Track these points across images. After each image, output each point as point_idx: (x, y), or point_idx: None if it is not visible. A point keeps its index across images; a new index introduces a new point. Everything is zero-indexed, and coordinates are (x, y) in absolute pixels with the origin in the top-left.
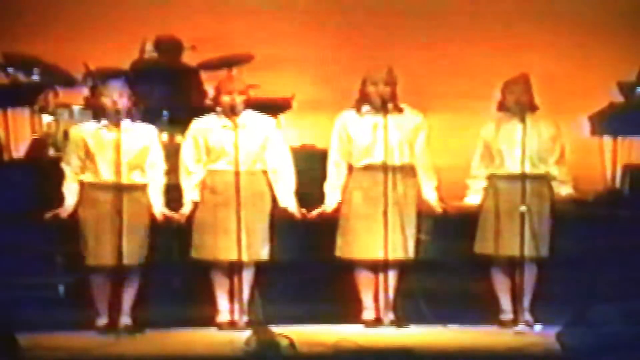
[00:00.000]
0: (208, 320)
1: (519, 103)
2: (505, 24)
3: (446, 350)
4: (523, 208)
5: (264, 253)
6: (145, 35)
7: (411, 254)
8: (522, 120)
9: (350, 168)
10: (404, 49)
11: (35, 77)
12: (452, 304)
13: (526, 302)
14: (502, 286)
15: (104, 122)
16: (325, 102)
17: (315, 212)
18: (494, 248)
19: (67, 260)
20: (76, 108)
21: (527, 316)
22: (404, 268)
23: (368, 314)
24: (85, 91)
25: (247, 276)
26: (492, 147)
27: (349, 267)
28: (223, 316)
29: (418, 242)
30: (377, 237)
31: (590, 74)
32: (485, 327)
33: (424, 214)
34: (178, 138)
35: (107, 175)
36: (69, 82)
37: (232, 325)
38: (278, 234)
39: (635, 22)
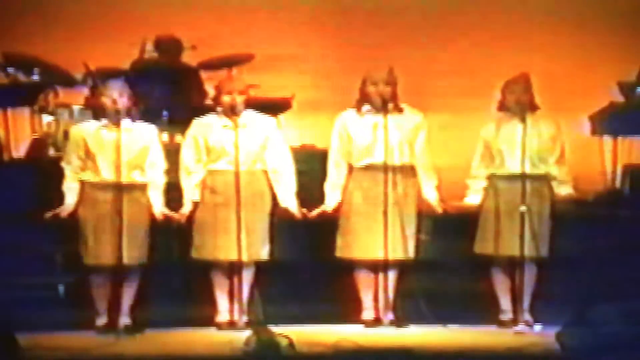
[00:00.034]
0: (208, 320)
1: (519, 103)
2: (505, 24)
3: (446, 351)
4: (523, 208)
5: (263, 253)
6: (145, 35)
7: (411, 254)
8: (523, 120)
9: (351, 168)
10: (404, 49)
11: (35, 77)
12: (452, 304)
13: (526, 302)
14: (502, 286)
15: (104, 121)
16: (325, 102)
17: (315, 212)
18: (494, 248)
19: (67, 260)
20: (76, 108)
21: (527, 316)
22: (403, 268)
23: (368, 314)
24: (85, 91)
25: (247, 276)
26: (492, 147)
27: (349, 267)
28: (223, 316)
29: (418, 242)
30: (377, 237)
31: (590, 74)
32: (485, 327)
33: (424, 214)
34: (178, 138)
35: (107, 174)
36: (69, 82)
37: (231, 325)
38: (278, 234)
39: (635, 22)
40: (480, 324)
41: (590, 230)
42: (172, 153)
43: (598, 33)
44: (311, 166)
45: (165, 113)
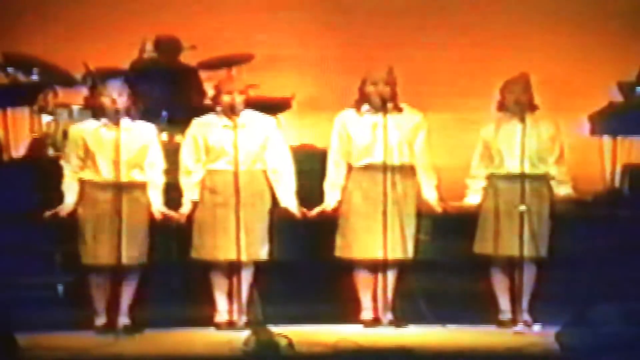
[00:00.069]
0: (207, 320)
1: (518, 103)
2: (505, 24)
3: (445, 350)
4: (522, 208)
5: (263, 253)
6: (145, 35)
7: (410, 253)
8: (522, 120)
9: (350, 168)
10: (404, 49)
11: (35, 77)
12: (451, 304)
13: (525, 302)
14: (501, 286)
15: (103, 121)
16: (325, 102)
17: (315, 211)
18: (494, 248)
19: (66, 260)
20: (75, 108)
21: (526, 316)
22: (403, 268)
23: (367, 314)
24: (85, 91)
25: (246, 276)
26: (491, 147)
27: (348, 267)
28: (222, 316)
29: (417, 242)
30: (377, 237)
31: (590, 74)
32: (484, 327)
33: (423, 214)
34: (177, 138)
35: (106, 174)
36: (69, 82)
37: (230, 325)
38: (277, 234)
39: (635, 22)
40: (480, 324)
41: (590, 230)
42: (172, 153)
43: (598, 33)
44: (311, 166)
45: (164, 113)
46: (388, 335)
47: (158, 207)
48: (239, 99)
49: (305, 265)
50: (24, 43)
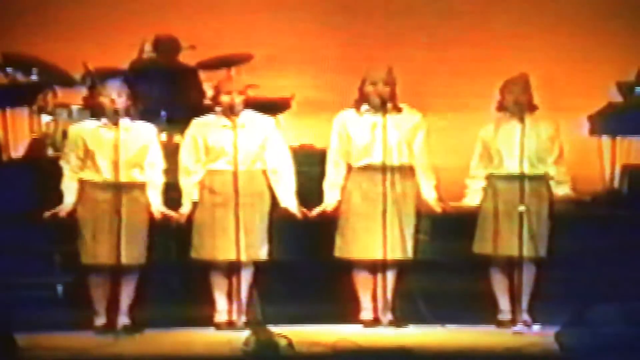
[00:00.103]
0: (206, 320)
1: (517, 103)
2: (505, 24)
3: (444, 351)
4: (522, 208)
5: (262, 253)
6: (144, 35)
7: (410, 254)
8: (521, 120)
9: (349, 168)
10: (404, 49)
11: (34, 77)
12: (451, 304)
13: (525, 302)
14: (500, 286)
15: (103, 121)
16: (325, 102)
17: (315, 211)
18: (493, 248)
19: (66, 260)
20: (75, 108)
21: (526, 316)
22: (402, 268)
23: (366, 314)
24: (84, 91)
25: (246, 276)
26: (490, 147)
27: (348, 267)
28: (221, 316)
29: (417, 242)
30: (376, 237)
31: (590, 74)
32: (483, 327)
33: (422, 214)
34: (177, 138)
35: (106, 174)
36: (68, 82)
37: (230, 325)
38: (277, 234)
39: (635, 22)
40: (479, 324)
41: (589, 230)
42: (171, 153)
43: (597, 33)
44: (310, 166)
45: (163, 113)
46: (388, 336)
47: (158, 207)
48: (238, 99)
49: (305, 265)
50: (23, 43)
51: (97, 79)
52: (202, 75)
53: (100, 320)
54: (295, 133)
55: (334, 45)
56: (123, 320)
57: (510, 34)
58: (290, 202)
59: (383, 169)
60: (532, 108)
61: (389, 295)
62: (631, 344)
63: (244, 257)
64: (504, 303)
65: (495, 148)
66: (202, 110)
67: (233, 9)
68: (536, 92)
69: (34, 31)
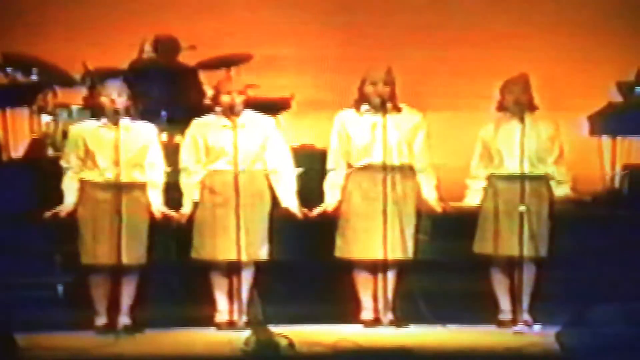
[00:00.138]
0: (207, 320)
1: (518, 103)
2: (505, 24)
3: (445, 350)
4: (522, 208)
5: (263, 253)
6: (144, 35)
7: (410, 254)
8: (521, 120)
9: (350, 168)
10: (404, 49)
11: (34, 77)
12: (451, 304)
13: (525, 302)
14: (501, 286)
15: (103, 121)
16: (325, 102)
17: (316, 211)
18: (493, 248)
19: (66, 260)
20: (75, 108)
21: (526, 316)
22: (403, 268)
23: (367, 314)
24: (84, 91)
25: (246, 276)
26: (491, 147)
27: (348, 267)
28: (222, 316)
29: (417, 242)
30: (376, 237)
31: (589, 74)
32: (484, 327)
33: (423, 214)
34: (177, 138)
35: (106, 174)
36: (68, 82)
37: (231, 325)
38: (277, 234)
39: (635, 22)
40: (480, 324)
41: (590, 230)
42: (171, 153)
43: (597, 33)
44: (311, 166)
45: (164, 113)
46: (388, 336)
47: (158, 207)
48: (238, 99)
49: (305, 266)
50: (23, 43)
51: (97, 79)
52: (202, 75)
53: (100, 320)
54: (295, 133)
55: (334, 45)
56: (124, 320)
57: (510, 34)
58: (291, 202)
59: (383, 169)
60: (532, 108)
61: (390, 295)
62: (631, 344)
63: (244, 257)
64: (504, 303)
65: (496, 148)
66: (202, 110)
67: (233, 9)
68: (536, 92)
69: (34, 31)
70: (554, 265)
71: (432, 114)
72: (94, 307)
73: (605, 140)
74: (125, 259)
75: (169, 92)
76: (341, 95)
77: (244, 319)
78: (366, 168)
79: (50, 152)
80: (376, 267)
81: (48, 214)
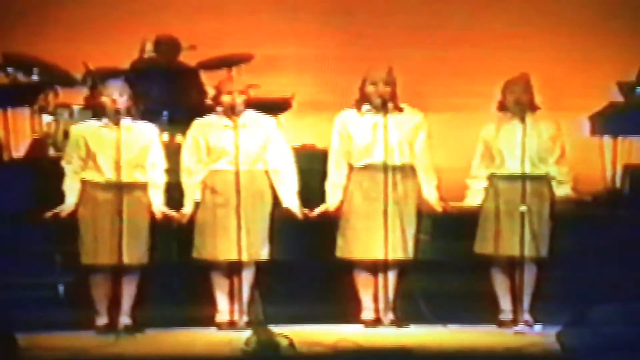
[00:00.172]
0: (208, 320)
1: (519, 103)
2: (505, 24)
3: (446, 350)
4: (523, 208)
5: (263, 253)
6: (144, 35)
7: (411, 254)
8: (522, 120)
9: (350, 168)
10: (404, 49)
11: (35, 77)
12: (452, 304)
13: (526, 302)
14: (501, 286)
15: (104, 121)
16: (325, 102)
17: (317, 211)
18: (494, 248)
19: (67, 260)
20: (76, 108)
21: (527, 316)
22: (403, 268)
23: (367, 314)
24: (85, 91)
25: (247, 276)
26: (492, 147)
27: (349, 267)
28: (223, 316)
29: (418, 242)
30: (377, 237)
31: (590, 74)
32: (484, 327)
33: (424, 214)
34: (178, 138)
35: (107, 174)
36: (69, 82)
37: (231, 325)
38: (278, 234)
39: (635, 22)
40: (480, 324)
41: (590, 230)
42: (172, 153)
43: (598, 33)
44: (311, 166)
45: (165, 113)
46: (388, 336)
47: (159, 207)
48: (239, 99)
49: (306, 266)
50: (24, 43)
51: (98, 79)
52: (203, 75)
53: (101, 320)
54: (296, 133)
55: (334, 45)
56: (124, 320)
57: (510, 34)
58: (292, 202)
59: (384, 168)
60: (533, 108)
61: (390, 295)
62: (631, 344)
63: (245, 257)
64: (505, 303)
65: (497, 148)
66: (203, 110)
67: (233, 9)
68: (537, 92)
69: (34, 31)
70: (554, 265)
71: (433, 114)
72: (94, 307)
73: (607, 140)
74: (126, 259)
75: (170, 92)
76: (342, 95)
77: (245, 319)
78: (367, 168)
79: (51, 152)
80: (377, 267)
81: (49, 214)
